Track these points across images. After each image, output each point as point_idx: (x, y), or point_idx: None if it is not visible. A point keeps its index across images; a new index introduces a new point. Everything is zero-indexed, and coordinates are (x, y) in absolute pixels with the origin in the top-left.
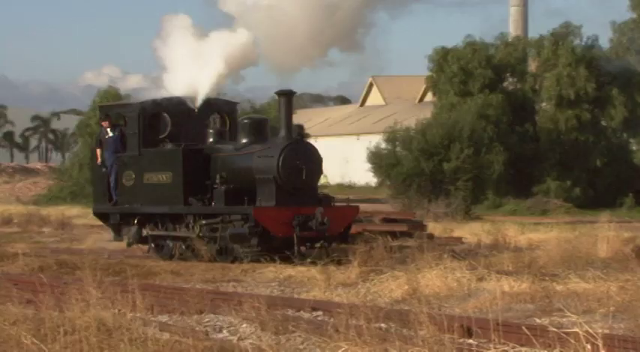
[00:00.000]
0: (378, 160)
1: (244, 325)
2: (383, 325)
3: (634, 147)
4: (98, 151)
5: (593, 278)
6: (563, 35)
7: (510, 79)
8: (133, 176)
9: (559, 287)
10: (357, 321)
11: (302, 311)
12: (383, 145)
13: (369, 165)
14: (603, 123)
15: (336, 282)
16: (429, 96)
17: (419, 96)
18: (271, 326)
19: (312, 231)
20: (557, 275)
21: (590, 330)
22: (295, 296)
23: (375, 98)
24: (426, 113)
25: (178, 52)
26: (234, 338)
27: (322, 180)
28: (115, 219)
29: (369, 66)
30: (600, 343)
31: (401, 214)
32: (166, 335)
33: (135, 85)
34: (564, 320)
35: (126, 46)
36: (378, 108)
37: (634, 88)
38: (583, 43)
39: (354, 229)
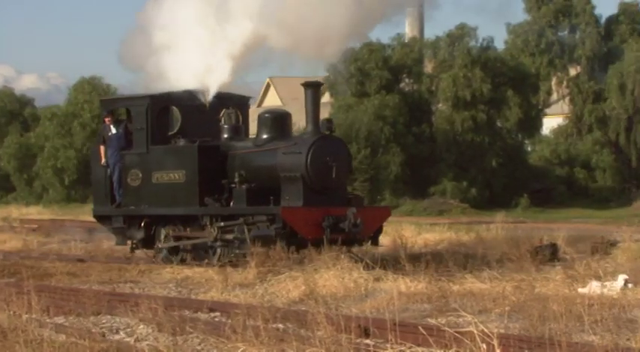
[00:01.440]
0: None
1: (141, 326)
2: (280, 325)
3: (529, 148)
4: (102, 149)
5: (489, 278)
6: (458, 36)
7: (407, 80)
8: (140, 175)
9: (455, 287)
10: (255, 322)
11: (199, 312)
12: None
13: None
14: (499, 124)
15: (234, 283)
16: (327, 97)
17: None
18: (168, 328)
19: (343, 233)
20: (454, 275)
21: (486, 330)
22: (193, 297)
23: (272, 99)
24: (324, 114)
25: (191, 28)
26: (131, 340)
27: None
28: (118, 222)
29: None
30: (496, 342)
31: None
32: (62, 337)
33: (30, 85)
34: (460, 320)
35: (19, 45)
36: None
37: (528, 90)
38: (479, 45)
39: None
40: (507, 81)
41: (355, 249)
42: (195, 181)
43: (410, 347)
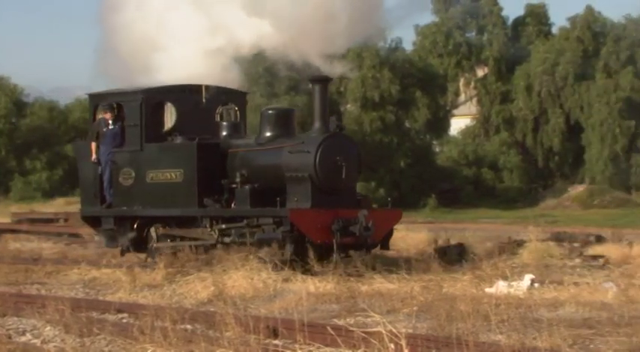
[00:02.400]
0: None
1: (48, 328)
2: (189, 326)
3: (437, 149)
4: (93, 145)
5: (397, 278)
6: (367, 37)
7: None
8: (133, 174)
9: (364, 288)
10: (163, 323)
11: (107, 314)
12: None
13: None
14: (407, 124)
15: (142, 284)
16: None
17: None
18: (76, 329)
19: (354, 237)
20: (363, 275)
21: (394, 330)
22: (100, 298)
23: None
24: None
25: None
26: (38, 341)
27: None
28: (108, 223)
29: None
30: (403, 342)
31: None
32: None
33: None
34: (369, 320)
35: None
36: None
37: (436, 91)
38: (387, 46)
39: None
40: (416, 82)
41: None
42: (194, 181)
43: (318, 348)
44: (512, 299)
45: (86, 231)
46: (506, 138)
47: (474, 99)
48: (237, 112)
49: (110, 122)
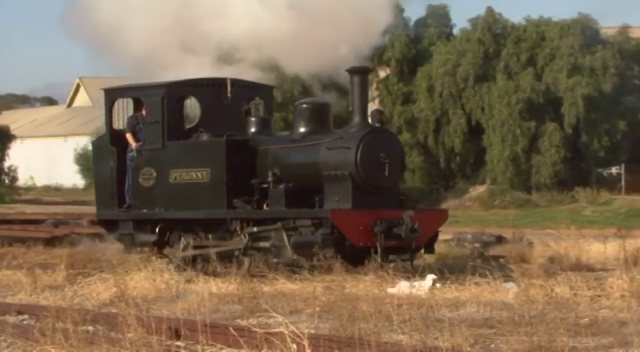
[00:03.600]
0: (85, 162)
1: None
2: (90, 328)
3: None
4: (130, 137)
5: (299, 279)
6: None
7: None
8: (154, 174)
9: (267, 288)
10: (64, 324)
11: (7, 315)
12: (91, 147)
13: (76, 167)
14: None
15: (43, 285)
16: None
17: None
18: None
19: (399, 240)
20: (265, 276)
21: (296, 330)
22: (0, 299)
23: (82, 99)
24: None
25: None
26: None
27: (28, 182)
28: (126, 227)
29: None
30: (306, 343)
31: None
32: None
33: None
34: (271, 320)
35: None
36: (85, 110)
37: (339, 91)
38: None
39: (61, 231)
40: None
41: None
42: (223, 181)
43: (220, 349)
44: (415, 300)
45: None
46: (408, 138)
47: (376, 100)
48: (265, 107)
49: (145, 118)
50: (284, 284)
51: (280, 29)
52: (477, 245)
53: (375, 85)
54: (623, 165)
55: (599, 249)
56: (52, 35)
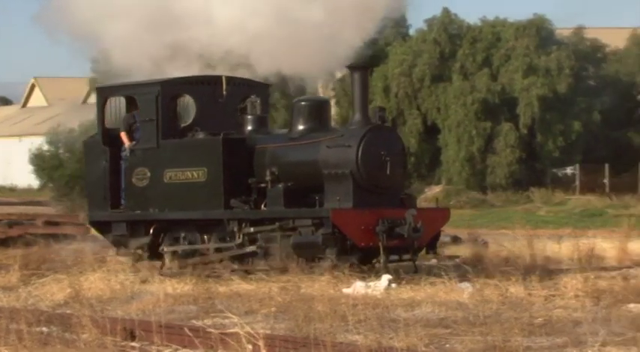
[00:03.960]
0: (40, 162)
1: None
2: (44, 329)
3: None
4: (123, 135)
5: (255, 279)
6: None
7: None
8: (148, 174)
9: (222, 289)
10: (18, 325)
11: None
12: (46, 147)
13: (31, 167)
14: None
15: None
16: (93, 98)
17: (83, 98)
18: None
19: (401, 239)
20: (221, 276)
21: (251, 331)
22: None
23: (37, 99)
24: (90, 115)
25: None
26: None
27: None
28: (120, 229)
29: None
30: (261, 343)
31: (64, 217)
32: None
33: None
34: (227, 321)
35: None
36: (41, 110)
37: (294, 91)
38: None
39: (15, 232)
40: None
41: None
42: (220, 180)
43: (176, 349)
44: (370, 300)
45: None
46: None
47: (332, 101)
48: (261, 105)
49: (139, 117)
50: (239, 285)
51: (265, 32)
52: None
53: (331, 85)
54: (577, 166)
55: (554, 249)
56: (5, 35)
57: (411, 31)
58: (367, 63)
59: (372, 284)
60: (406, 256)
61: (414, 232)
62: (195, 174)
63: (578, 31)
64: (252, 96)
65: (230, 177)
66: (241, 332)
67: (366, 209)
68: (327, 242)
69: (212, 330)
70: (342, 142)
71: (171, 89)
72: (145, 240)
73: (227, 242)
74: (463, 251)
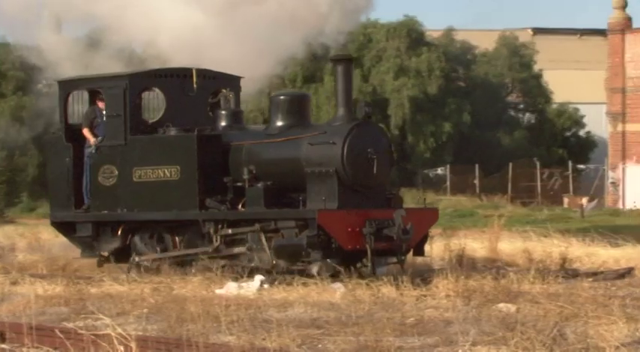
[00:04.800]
0: None
1: None
2: None
3: None
4: (87, 132)
5: (127, 280)
6: None
7: (44, 82)
8: (116, 172)
9: (94, 290)
10: None
11: None
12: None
13: None
14: None
15: None
16: None
17: None
18: None
19: (389, 242)
20: (92, 278)
21: (123, 332)
22: None
23: None
24: None
25: None
26: None
27: None
28: (86, 230)
29: None
30: (133, 345)
31: None
32: None
33: None
34: (98, 322)
35: None
36: None
37: None
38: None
39: None
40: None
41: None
42: (194, 179)
43: (47, 351)
44: (243, 300)
45: None
46: None
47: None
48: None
49: (104, 113)
50: (111, 286)
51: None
52: None
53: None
54: (448, 166)
55: (426, 249)
56: None
57: None
58: (350, 55)
59: (244, 284)
60: (391, 259)
61: (403, 234)
62: (168, 173)
63: (448, 33)
64: (225, 90)
65: (205, 175)
66: (113, 334)
67: (352, 210)
68: (312, 244)
69: (83, 332)
70: (325, 139)
71: (139, 82)
72: (116, 242)
73: (201, 243)
74: None
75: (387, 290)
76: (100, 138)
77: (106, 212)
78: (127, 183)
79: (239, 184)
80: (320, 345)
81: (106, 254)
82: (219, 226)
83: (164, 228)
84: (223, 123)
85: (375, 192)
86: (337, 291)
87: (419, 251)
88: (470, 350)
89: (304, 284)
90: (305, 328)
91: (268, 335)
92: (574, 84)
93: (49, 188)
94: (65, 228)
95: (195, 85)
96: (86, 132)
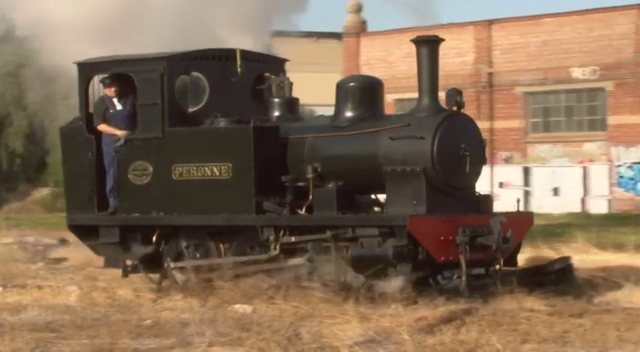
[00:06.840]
0: None
1: None
2: None
3: None
4: (104, 127)
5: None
6: None
7: None
8: (150, 169)
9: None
10: None
11: None
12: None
13: None
14: None
15: None
16: None
17: None
18: None
19: (486, 252)
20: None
21: None
22: None
23: None
24: None
25: None
26: None
27: None
28: (112, 235)
29: None
30: None
31: None
32: None
33: None
34: None
35: None
36: None
37: None
38: None
39: None
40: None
41: None
42: (250, 178)
43: None
44: None
45: None
46: None
47: None
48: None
49: (116, 101)
50: None
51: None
52: (39, 248)
53: None
54: None
55: None
56: None
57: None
58: (437, 36)
59: None
60: (478, 270)
61: (504, 243)
62: (217, 171)
63: None
64: (280, 75)
65: (262, 173)
66: None
67: (443, 215)
68: (399, 256)
69: None
70: (410, 133)
71: (178, 65)
72: (148, 250)
73: (250, 252)
74: (71, 254)
75: (124, 292)
76: (126, 131)
77: (137, 215)
78: (165, 182)
79: (300, 184)
80: (54, 348)
81: (130, 263)
82: (281, 233)
83: (206, 234)
84: (276, 113)
85: (463, 193)
86: (72, 294)
87: (511, 261)
88: (206, 351)
89: (39, 287)
90: (39, 331)
91: (1, 339)
92: (311, 86)
93: (66, 187)
94: (85, 232)
95: (239, 69)
96: (105, 127)
